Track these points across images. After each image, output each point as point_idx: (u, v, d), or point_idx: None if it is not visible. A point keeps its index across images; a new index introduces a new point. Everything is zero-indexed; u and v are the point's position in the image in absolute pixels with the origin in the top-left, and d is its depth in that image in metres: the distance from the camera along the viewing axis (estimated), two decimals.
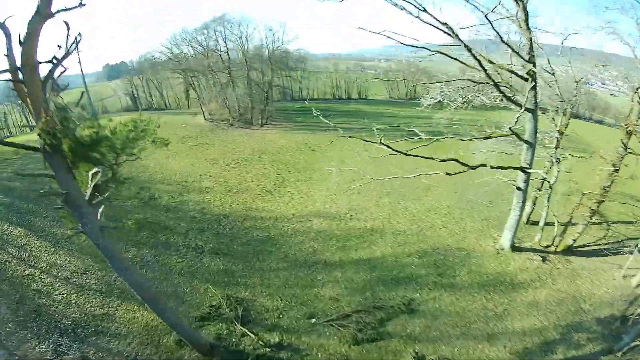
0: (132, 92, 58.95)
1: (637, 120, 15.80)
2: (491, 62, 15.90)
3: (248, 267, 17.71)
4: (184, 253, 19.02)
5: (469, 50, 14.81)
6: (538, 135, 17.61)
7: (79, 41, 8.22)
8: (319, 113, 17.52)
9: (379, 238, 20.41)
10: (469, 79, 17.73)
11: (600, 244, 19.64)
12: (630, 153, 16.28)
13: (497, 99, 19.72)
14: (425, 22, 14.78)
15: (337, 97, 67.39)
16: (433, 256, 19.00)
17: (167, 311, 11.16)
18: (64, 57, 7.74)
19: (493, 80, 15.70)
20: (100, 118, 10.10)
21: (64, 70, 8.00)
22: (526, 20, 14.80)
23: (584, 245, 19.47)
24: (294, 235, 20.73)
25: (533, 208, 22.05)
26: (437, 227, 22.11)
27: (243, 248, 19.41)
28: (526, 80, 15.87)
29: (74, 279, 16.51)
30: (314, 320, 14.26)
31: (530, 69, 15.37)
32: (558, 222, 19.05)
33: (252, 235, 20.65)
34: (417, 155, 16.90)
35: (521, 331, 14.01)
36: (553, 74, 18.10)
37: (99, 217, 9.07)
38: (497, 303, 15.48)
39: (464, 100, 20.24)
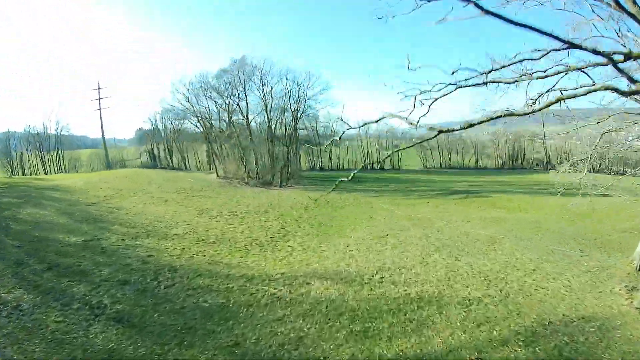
0: (152, 149, 55.06)
1: None
2: None
3: (156, 355, 8.05)
4: (73, 310, 10.07)
5: None
6: None
7: None
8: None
9: (436, 313, 10.12)
10: None
11: None
12: None
13: None
14: None
15: (368, 167, 60.06)
16: (550, 339, 8.96)
17: None
18: None
19: None
20: None
21: None
22: None
23: None
24: (269, 305, 10.96)
25: None
26: (529, 289, 12.23)
27: (169, 318, 9.87)
28: None
29: None
30: None
31: None
32: None
33: (196, 300, 11.13)
34: None
35: None
36: None
37: None
38: None
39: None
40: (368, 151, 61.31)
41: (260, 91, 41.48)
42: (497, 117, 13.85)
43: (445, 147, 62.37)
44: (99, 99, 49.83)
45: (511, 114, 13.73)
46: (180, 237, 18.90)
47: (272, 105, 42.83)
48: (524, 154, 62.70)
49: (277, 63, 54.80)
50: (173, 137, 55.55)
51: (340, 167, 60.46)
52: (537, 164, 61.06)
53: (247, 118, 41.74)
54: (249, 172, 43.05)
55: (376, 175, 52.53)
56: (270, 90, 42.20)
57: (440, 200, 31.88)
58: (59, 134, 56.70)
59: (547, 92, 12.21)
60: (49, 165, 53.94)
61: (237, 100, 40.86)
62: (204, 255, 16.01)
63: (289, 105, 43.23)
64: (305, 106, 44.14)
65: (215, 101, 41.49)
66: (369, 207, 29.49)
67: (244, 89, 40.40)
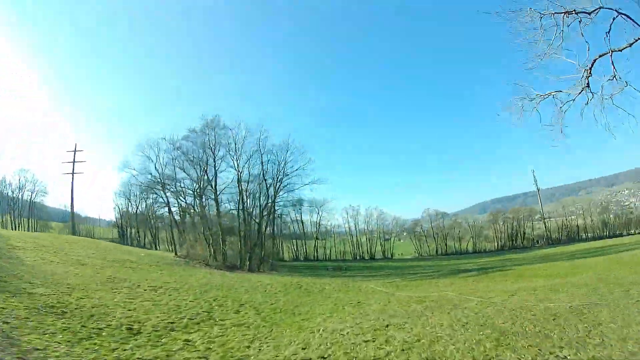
0: (121, 225, 46.21)
1: None
2: None
3: None
4: None
5: None
6: None
7: None
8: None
9: None
10: None
11: None
12: None
13: None
14: None
15: (358, 257, 50.11)
16: None
17: None
18: None
19: None
20: None
21: None
22: None
23: None
24: None
25: None
26: None
27: None
28: None
29: None
30: None
31: None
32: None
33: None
34: None
35: None
36: None
37: None
38: None
39: None
40: (357, 240, 51.98)
41: (234, 160, 34.25)
42: (546, 95, 10.41)
43: (441, 232, 55.21)
44: (73, 162, 42.49)
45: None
46: (27, 296, 9.85)
47: (249, 178, 35.14)
48: (524, 232, 57.38)
49: (253, 129, 43.91)
50: (144, 214, 46.88)
51: (328, 257, 50.29)
52: (537, 241, 55.40)
53: (216, 190, 33.54)
54: (214, 253, 33.27)
55: (366, 264, 42.60)
56: (247, 162, 34.93)
57: (452, 279, 22.27)
58: (32, 199, 49.72)
59: (600, 56, 9.61)
60: (19, 227, 46.98)
61: (206, 168, 33.20)
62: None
63: (263, 181, 35.20)
64: (283, 176, 36.16)
65: (183, 169, 33.99)
66: (357, 291, 19.57)
67: (214, 157, 33.03)
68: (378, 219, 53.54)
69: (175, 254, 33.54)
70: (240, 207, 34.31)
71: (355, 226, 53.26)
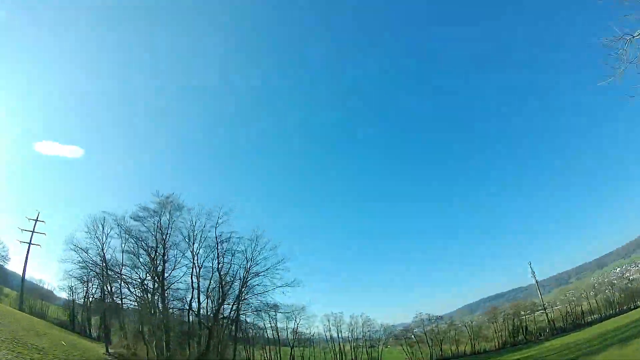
0: (72, 309, 39.52)
1: None
2: None
3: None
4: None
5: None
6: None
7: None
8: None
9: None
10: None
11: None
12: None
13: None
14: None
15: None
16: None
17: None
18: None
19: None
20: None
21: None
22: None
23: None
24: None
25: None
26: None
27: None
28: None
29: None
30: None
31: None
32: None
33: None
34: None
35: None
36: None
37: None
38: None
39: None
40: (340, 349, 42.70)
41: (190, 250, 29.28)
42: None
43: (435, 337, 47.26)
44: (33, 231, 37.80)
45: None
46: None
47: (211, 276, 29.64)
48: (526, 327, 51.22)
49: (214, 214, 33.70)
50: (97, 301, 39.47)
51: None
52: (540, 333, 49.60)
53: (163, 283, 27.66)
54: (156, 356, 25.94)
55: None
56: (211, 253, 30.01)
57: None
58: None
59: None
60: None
61: (155, 256, 27.85)
62: None
63: (219, 277, 29.30)
64: (249, 276, 30.28)
65: (133, 254, 28.93)
66: None
67: (164, 244, 27.84)
68: (364, 326, 45.23)
69: (106, 350, 26.17)
70: (194, 306, 28.13)
71: (338, 334, 44.46)
